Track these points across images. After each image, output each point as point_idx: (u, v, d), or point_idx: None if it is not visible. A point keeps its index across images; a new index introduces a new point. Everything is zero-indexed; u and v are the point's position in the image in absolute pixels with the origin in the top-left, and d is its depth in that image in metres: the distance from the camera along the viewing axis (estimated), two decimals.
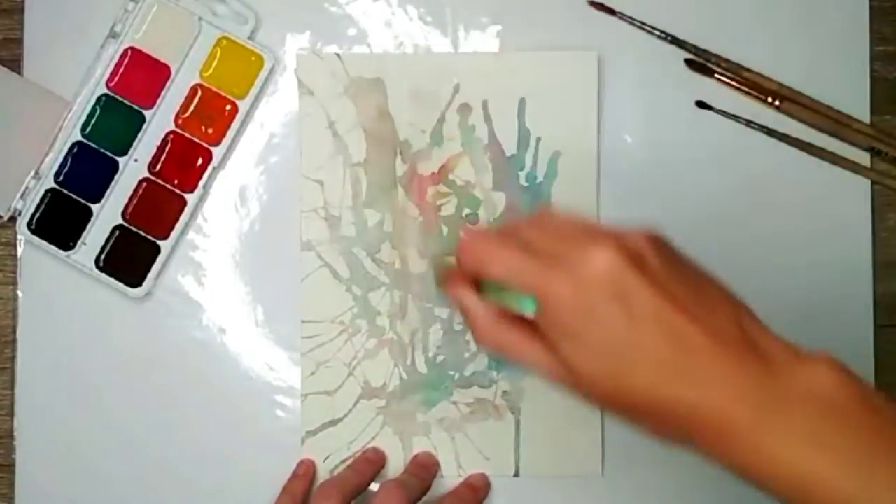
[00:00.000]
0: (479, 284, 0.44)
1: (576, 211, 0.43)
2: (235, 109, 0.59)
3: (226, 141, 0.59)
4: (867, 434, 0.36)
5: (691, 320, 0.38)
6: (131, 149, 0.59)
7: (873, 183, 0.60)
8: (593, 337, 0.38)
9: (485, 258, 0.42)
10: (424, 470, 0.58)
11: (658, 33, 0.60)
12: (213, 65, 0.59)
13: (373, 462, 0.58)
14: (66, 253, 0.58)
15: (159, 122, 0.59)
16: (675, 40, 0.60)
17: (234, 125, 0.59)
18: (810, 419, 0.37)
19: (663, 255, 0.40)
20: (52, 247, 0.58)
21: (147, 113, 0.59)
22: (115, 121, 0.59)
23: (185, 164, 0.59)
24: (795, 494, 0.37)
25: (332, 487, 0.54)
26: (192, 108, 0.59)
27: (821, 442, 0.36)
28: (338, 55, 0.59)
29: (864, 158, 0.60)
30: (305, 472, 0.58)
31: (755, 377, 0.37)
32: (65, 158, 0.58)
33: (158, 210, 0.59)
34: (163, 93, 0.59)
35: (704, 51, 0.60)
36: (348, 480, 0.56)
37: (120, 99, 0.58)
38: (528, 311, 0.40)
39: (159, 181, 0.59)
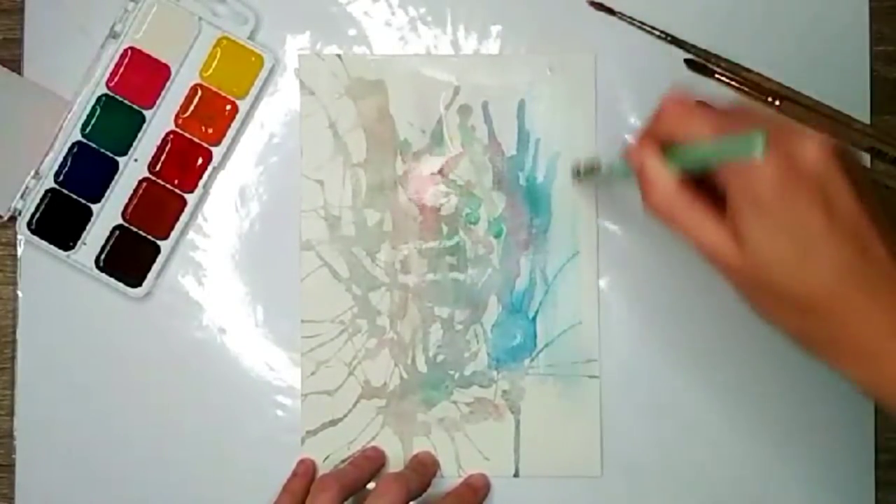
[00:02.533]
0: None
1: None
2: (235, 109, 0.59)
3: (226, 141, 0.59)
4: None
5: (879, 235, 0.40)
6: (131, 149, 0.59)
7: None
8: (789, 220, 0.39)
9: (696, 120, 0.42)
10: (424, 468, 0.58)
11: (658, 33, 0.60)
12: (213, 65, 0.59)
13: (372, 459, 0.58)
14: (66, 253, 0.58)
15: (159, 122, 0.59)
16: (675, 40, 0.60)
17: (234, 125, 0.59)
18: None
19: (861, 167, 0.41)
20: (52, 247, 0.58)
21: (147, 113, 0.59)
22: (115, 121, 0.59)
23: (185, 164, 0.59)
24: None
25: (331, 480, 0.54)
26: (192, 108, 0.59)
27: None
28: (339, 56, 0.59)
29: (863, 158, 0.60)
30: (305, 471, 0.58)
31: None
32: (65, 158, 0.58)
33: (158, 210, 0.59)
34: (163, 93, 0.59)
35: (704, 51, 0.60)
36: (347, 474, 0.56)
37: (120, 99, 0.59)
38: (758, 149, 0.39)
39: (159, 181, 0.59)
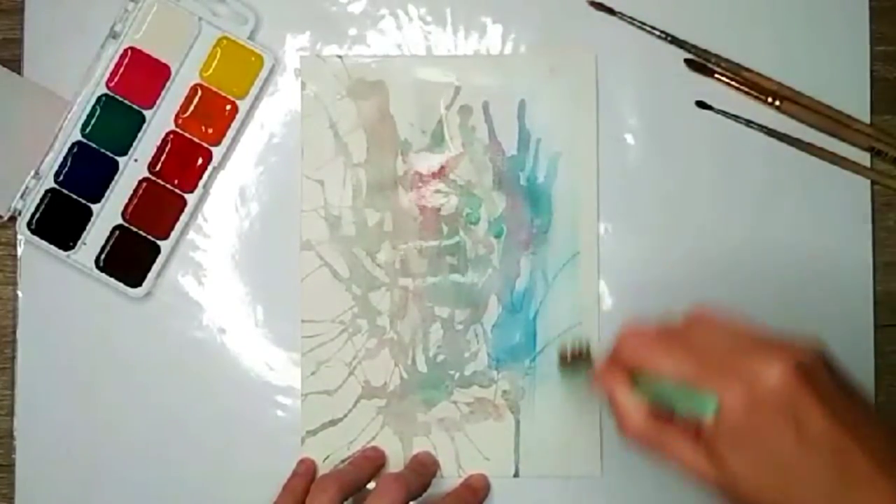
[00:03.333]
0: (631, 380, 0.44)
1: (735, 316, 0.43)
2: (235, 109, 0.59)
3: (226, 141, 0.59)
4: None
5: (858, 445, 0.38)
6: (131, 149, 0.59)
7: (873, 183, 0.60)
8: (762, 448, 0.39)
9: (653, 356, 0.42)
10: (424, 468, 0.58)
11: (658, 33, 0.60)
12: (213, 65, 0.59)
13: (372, 459, 0.58)
14: (66, 253, 0.58)
15: (159, 122, 0.59)
16: (675, 40, 0.60)
17: (234, 125, 0.59)
18: None
19: (833, 373, 0.40)
20: (52, 247, 0.58)
21: (147, 113, 0.59)
22: (115, 121, 0.59)
23: (185, 164, 0.59)
24: None
25: (330, 480, 0.54)
26: (192, 108, 0.59)
27: None
28: (340, 57, 0.59)
29: (864, 158, 0.60)
30: (306, 471, 0.58)
31: None
32: (65, 158, 0.58)
33: (158, 210, 0.59)
34: (163, 93, 0.59)
35: (704, 51, 0.60)
36: (346, 475, 0.55)
37: (120, 99, 0.58)
38: (709, 412, 0.40)
39: (159, 181, 0.59)
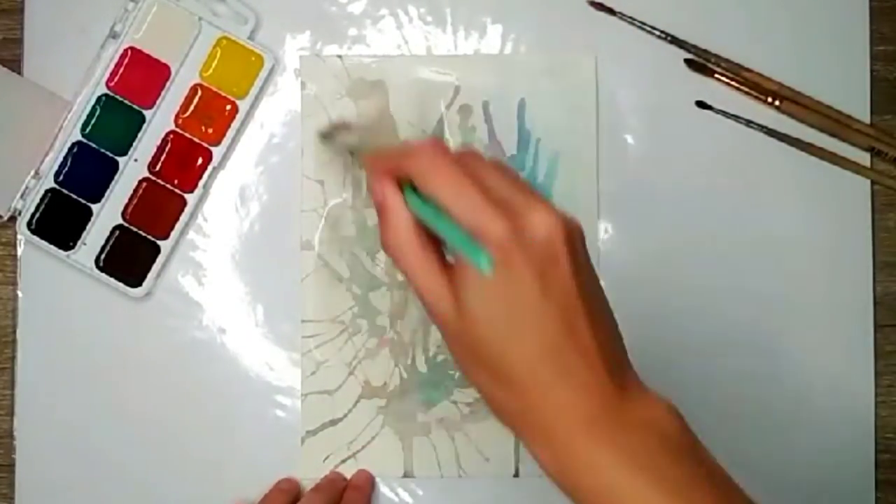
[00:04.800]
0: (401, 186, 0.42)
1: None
2: (235, 109, 0.59)
3: (226, 141, 0.59)
4: (690, 470, 0.39)
5: (589, 322, 0.39)
6: (131, 149, 0.59)
7: (873, 183, 0.60)
8: (507, 291, 0.39)
9: (438, 177, 0.40)
10: (357, 492, 0.58)
11: (658, 33, 0.60)
12: (213, 65, 0.59)
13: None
14: (66, 253, 0.58)
15: (159, 121, 0.59)
16: (675, 40, 0.60)
17: (234, 125, 0.59)
18: (645, 444, 0.39)
19: (584, 246, 0.41)
20: (52, 247, 0.58)
21: (147, 113, 0.59)
22: (115, 121, 0.59)
23: (185, 163, 0.59)
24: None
25: None
26: (192, 107, 0.59)
27: (647, 465, 0.38)
28: (339, 57, 0.59)
29: (864, 158, 0.60)
30: (290, 489, 0.58)
31: (609, 394, 0.39)
32: (65, 158, 0.58)
33: (158, 210, 0.59)
34: (163, 93, 0.59)
35: (704, 51, 0.60)
36: None
37: (120, 99, 0.58)
38: (484, 266, 0.39)
39: (159, 181, 0.59)
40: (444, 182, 0.40)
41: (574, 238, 0.39)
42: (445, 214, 0.40)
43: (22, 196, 0.58)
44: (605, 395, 0.39)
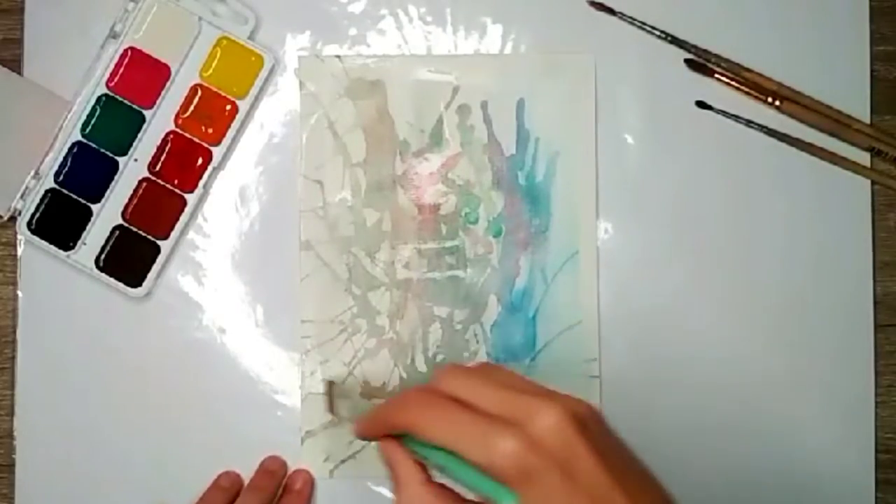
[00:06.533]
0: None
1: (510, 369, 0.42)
2: (235, 109, 0.59)
3: (226, 141, 0.59)
4: None
5: (625, 497, 0.38)
6: (131, 149, 0.59)
7: (873, 183, 0.60)
8: (534, 496, 0.38)
9: (433, 425, 0.39)
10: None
11: (658, 33, 0.60)
12: (213, 65, 0.59)
13: (272, 473, 0.58)
14: (66, 253, 0.58)
15: (159, 121, 0.59)
16: (675, 40, 0.60)
17: (234, 125, 0.59)
18: None
19: (606, 427, 0.40)
20: (52, 247, 0.58)
21: (147, 113, 0.59)
22: (115, 121, 0.59)
23: (185, 164, 0.59)
24: None
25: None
26: (192, 108, 0.59)
27: None
28: (338, 57, 0.60)
29: (864, 158, 0.60)
30: (231, 486, 0.58)
31: None
32: (65, 158, 0.58)
33: (158, 210, 0.59)
34: (163, 93, 0.59)
35: (704, 51, 0.60)
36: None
37: (120, 99, 0.59)
38: (507, 501, 0.38)
39: (159, 181, 0.59)
40: (441, 427, 0.39)
41: (587, 423, 0.39)
42: (454, 455, 0.39)
43: (22, 196, 0.58)
44: None
